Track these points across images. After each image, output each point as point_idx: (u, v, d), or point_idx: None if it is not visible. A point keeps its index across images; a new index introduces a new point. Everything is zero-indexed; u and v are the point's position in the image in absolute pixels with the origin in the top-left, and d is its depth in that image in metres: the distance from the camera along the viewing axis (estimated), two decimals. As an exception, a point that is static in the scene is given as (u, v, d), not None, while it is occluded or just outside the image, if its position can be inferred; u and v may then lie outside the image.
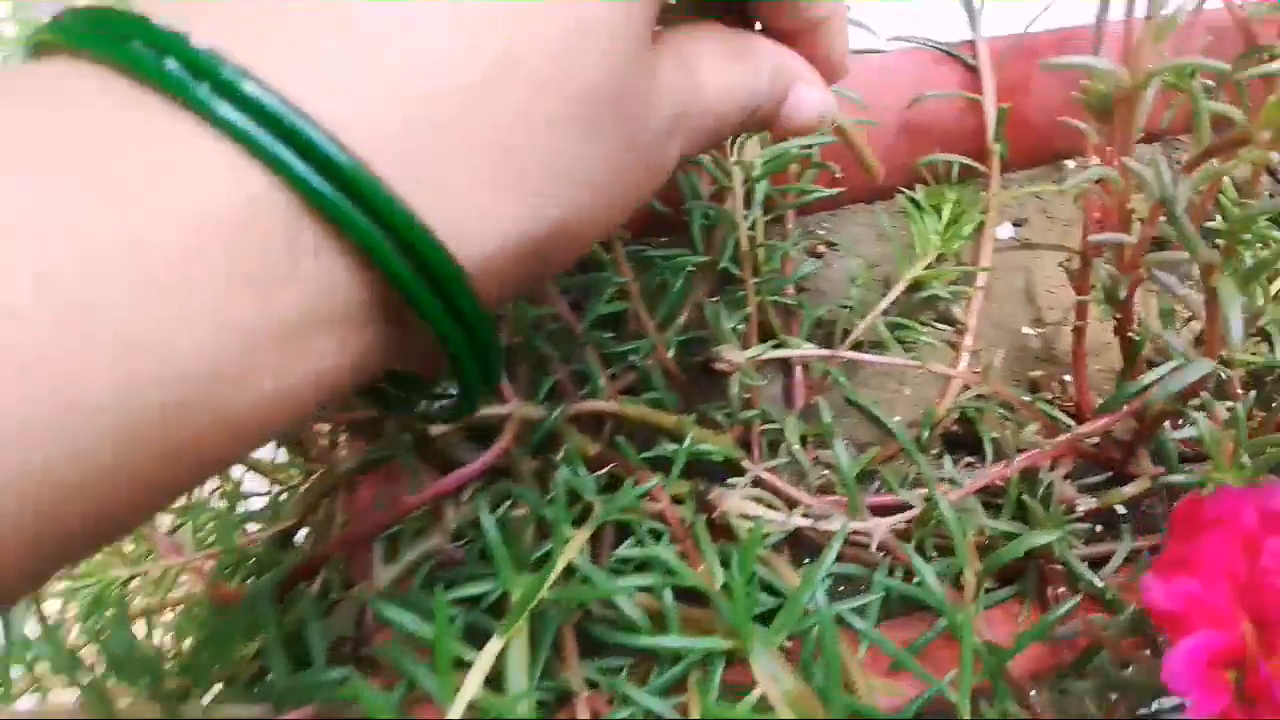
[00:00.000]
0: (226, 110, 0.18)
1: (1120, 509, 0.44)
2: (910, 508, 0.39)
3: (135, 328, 0.17)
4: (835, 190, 0.49)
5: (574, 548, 0.33)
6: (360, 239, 0.19)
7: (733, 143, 0.45)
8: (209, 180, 0.18)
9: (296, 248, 0.19)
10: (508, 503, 0.38)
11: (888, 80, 0.51)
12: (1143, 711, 0.34)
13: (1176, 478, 0.32)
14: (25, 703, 0.35)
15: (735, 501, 0.36)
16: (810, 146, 0.47)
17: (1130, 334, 0.39)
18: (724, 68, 0.28)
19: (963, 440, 0.47)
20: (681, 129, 0.26)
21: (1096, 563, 0.39)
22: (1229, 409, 0.32)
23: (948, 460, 0.46)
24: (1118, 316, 0.39)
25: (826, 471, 0.46)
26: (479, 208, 0.21)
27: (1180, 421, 0.35)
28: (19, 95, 0.19)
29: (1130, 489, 0.37)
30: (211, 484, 0.47)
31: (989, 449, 0.44)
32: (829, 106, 0.32)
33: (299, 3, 0.20)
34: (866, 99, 0.50)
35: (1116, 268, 0.36)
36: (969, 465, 0.45)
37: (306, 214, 0.19)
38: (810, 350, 0.42)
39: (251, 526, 0.41)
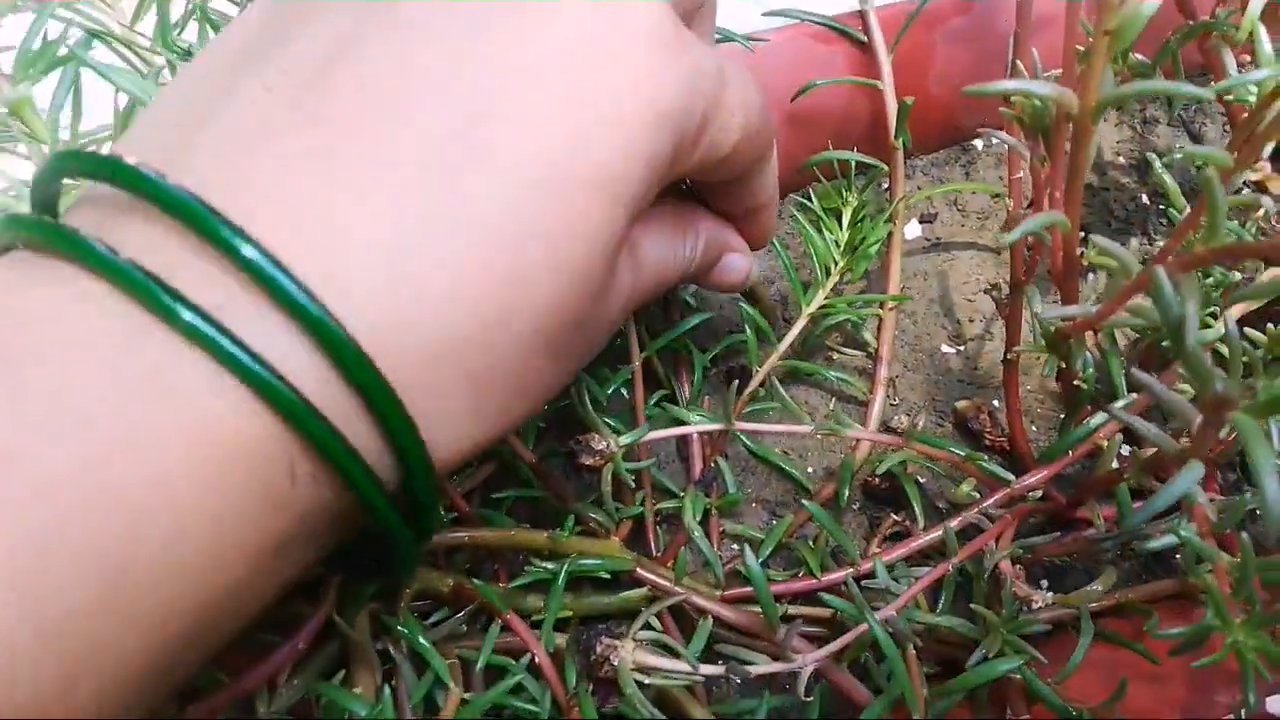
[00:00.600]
0: (239, 354, 0.19)
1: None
2: (840, 611, 0.33)
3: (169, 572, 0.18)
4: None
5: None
6: (349, 476, 0.20)
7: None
8: (221, 415, 0.19)
9: (295, 475, 0.20)
10: (341, 675, 0.30)
11: (768, 65, 0.43)
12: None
13: (1171, 630, 0.26)
14: None
15: (628, 653, 0.29)
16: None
17: (1077, 383, 0.32)
18: (664, 244, 0.30)
19: (885, 494, 0.40)
20: (626, 302, 0.27)
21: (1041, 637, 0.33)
22: (1220, 511, 0.25)
23: (869, 515, 0.40)
24: (1062, 365, 0.32)
25: (735, 546, 0.40)
26: (452, 419, 0.22)
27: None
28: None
29: (1098, 585, 0.32)
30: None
31: (919, 510, 0.38)
32: (753, 272, 0.35)
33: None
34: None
35: (1065, 322, 0.29)
36: (896, 524, 0.39)
37: (305, 448, 0.20)
38: (704, 425, 0.35)
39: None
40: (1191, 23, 0.35)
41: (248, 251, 0.19)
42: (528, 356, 0.23)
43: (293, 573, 0.22)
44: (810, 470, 0.42)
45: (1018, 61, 0.33)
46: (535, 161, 0.21)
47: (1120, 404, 0.34)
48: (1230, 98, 0.32)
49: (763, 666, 0.29)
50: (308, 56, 0.22)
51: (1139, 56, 0.38)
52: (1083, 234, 0.33)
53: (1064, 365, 0.32)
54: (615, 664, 0.29)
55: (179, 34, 0.37)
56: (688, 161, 0.26)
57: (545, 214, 0.22)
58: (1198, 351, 0.18)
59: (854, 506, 0.41)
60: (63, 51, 0.34)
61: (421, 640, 0.29)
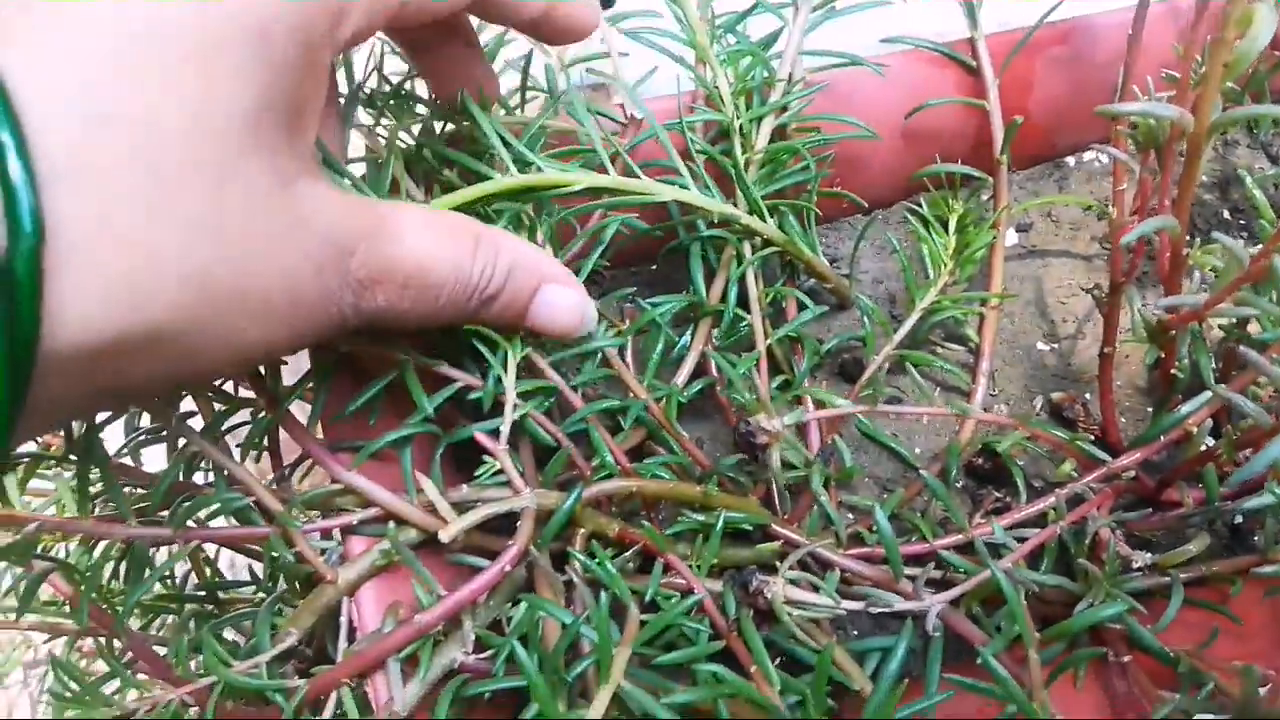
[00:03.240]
0: None
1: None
2: (953, 569, 0.37)
3: None
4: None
5: (617, 672, 0.30)
6: None
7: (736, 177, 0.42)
8: None
9: None
10: (525, 608, 0.34)
11: (885, 88, 0.48)
12: None
13: (1262, 569, 0.30)
14: None
15: (780, 588, 0.34)
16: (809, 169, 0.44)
17: (1173, 371, 0.37)
18: (429, 236, 0.29)
19: (987, 473, 0.45)
20: (360, 279, 0.27)
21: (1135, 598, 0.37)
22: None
23: (970, 492, 0.44)
24: (1162, 355, 0.36)
25: (851, 515, 0.44)
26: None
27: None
28: None
29: (1193, 547, 0.36)
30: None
31: (1021, 486, 0.42)
32: (586, 310, 0.33)
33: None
34: (865, 108, 0.47)
35: (1167, 313, 0.33)
36: (998, 501, 0.43)
37: None
38: (843, 406, 0.39)
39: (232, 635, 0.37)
40: (1281, 55, 0.39)
41: None
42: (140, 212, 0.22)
43: None
44: (917, 451, 0.46)
45: (1131, 86, 0.37)
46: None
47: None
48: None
49: (899, 604, 0.34)
50: None
51: (1230, 84, 0.42)
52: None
53: (1165, 355, 0.36)
54: (769, 596, 0.34)
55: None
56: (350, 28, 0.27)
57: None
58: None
59: (957, 485, 0.45)
60: None
61: (608, 567, 0.33)
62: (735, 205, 0.41)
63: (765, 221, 0.42)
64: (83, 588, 0.37)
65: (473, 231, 0.31)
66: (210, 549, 0.45)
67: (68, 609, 0.43)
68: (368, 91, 0.41)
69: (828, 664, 0.29)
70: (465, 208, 0.35)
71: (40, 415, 0.23)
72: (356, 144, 0.39)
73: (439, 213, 0.31)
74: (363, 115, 0.41)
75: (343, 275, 0.27)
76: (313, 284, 0.27)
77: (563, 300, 0.33)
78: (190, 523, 0.36)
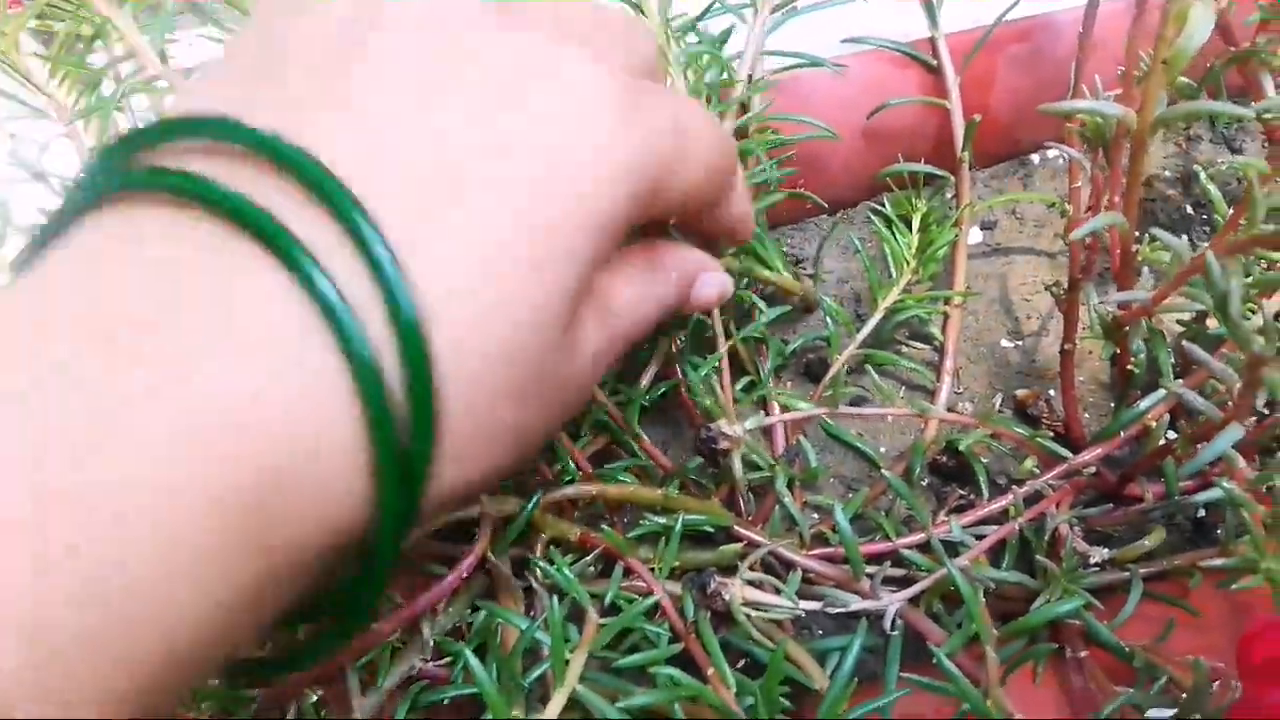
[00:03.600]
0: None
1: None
2: (914, 567, 0.37)
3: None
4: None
5: (573, 675, 0.30)
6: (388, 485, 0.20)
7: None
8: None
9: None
10: (483, 615, 0.34)
11: (846, 88, 0.48)
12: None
13: (1214, 561, 0.31)
14: None
15: (738, 590, 0.34)
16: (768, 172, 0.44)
17: (1130, 367, 0.37)
18: (639, 288, 0.30)
19: (951, 471, 0.45)
20: (600, 352, 0.28)
21: (1094, 593, 0.37)
22: (1260, 470, 0.30)
23: (935, 490, 0.45)
24: (1117, 350, 0.37)
25: (816, 515, 0.44)
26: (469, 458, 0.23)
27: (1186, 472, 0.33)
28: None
29: (1147, 542, 0.36)
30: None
31: (984, 484, 0.42)
32: (727, 287, 0.36)
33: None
34: (826, 109, 0.47)
35: (1119, 311, 0.33)
36: (961, 499, 0.44)
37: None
38: (806, 411, 0.40)
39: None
40: (1234, 49, 0.39)
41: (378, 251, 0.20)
42: (494, 399, 0.23)
43: (268, 615, 0.21)
44: (883, 450, 0.46)
45: (1081, 84, 0.37)
46: (500, 215, 0.23)
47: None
48: (1269, 116, 0.36)
49: (855, 604, 0.34)
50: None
51: (1186, 80, 0.42)
52: (1137, 235, 0.37)
53: (1119, 351, 0.36)
54: (726, 598, 0.34)
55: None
56: (655, 208, 0.28)
57: (507, 266, 0.23)
58: (1239, 318, 0.23)
59: (922, 483, 0.45)
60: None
61: (565, 573, 0.33)
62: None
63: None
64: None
65: (657, 260, 0.33)
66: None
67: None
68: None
69: (780, 663, 0.29)
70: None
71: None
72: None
73: (633, 256, 0.32)
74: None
75: (600, 373, 0.29)
76: (582, 398, 0.29)
77: (712, 283, 0.35)
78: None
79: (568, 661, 0.30)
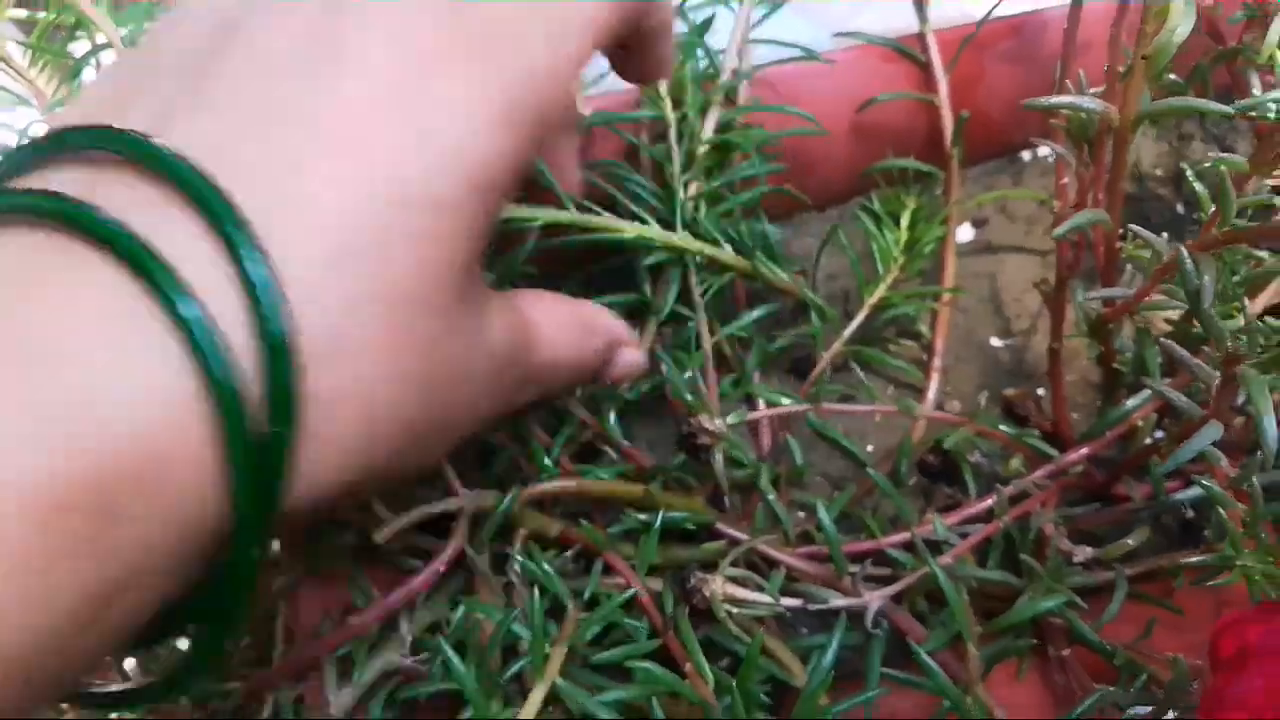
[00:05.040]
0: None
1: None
2: (900, 566, 0.37)
3: None
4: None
5: (552, 669, 0.30)
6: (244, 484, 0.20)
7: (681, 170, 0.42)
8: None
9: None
10: (462, 610, 0.34)
11: (835, 83, 0.48)
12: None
13: (1194, 559, 0.30)
14: None
15: (719, 586, 0.34)
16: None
17: (1115, 365, 0.37)
18: (564, 335, 0.32)
19: (939, 470, 0.45)
20: (516, 385, 0.29)
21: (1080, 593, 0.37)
22: (1240, 469, 0.30)
23: (923, 490, 0.44)
24: (1102, 349, 0.36)
25: (802, 513, 0.44)
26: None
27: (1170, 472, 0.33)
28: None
29: (1132, 540, 0.36)
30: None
31: (970, 482, 0.42)
32: (639, 366, 0.37)
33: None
34: (815, 104, 0.47)
35: (1103, 309, 0.33)
36: (949, 498, 0.43)
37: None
38: (788, 407, 0.39)
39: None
40: (1221, 48, 0.39)
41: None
42: (373, 386, 0.23)
43: (123, 625, 0.20)
44: (870, 449, 0.46)
45: (1066, 80, 0.37)
46: (362, 185, 0.22)
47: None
48: (1255, 114, 0.36)
49: (837, 601, 0.34)
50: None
51: (1173, 77, 0.42)
52: (1121, 233, 0.37)
53: (1104, 349, 0.36)
54: (707, 595, 0.34)
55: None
56: (549, 123, 0.26)
57: (376, 236, 0.22)
58: (1211, 312, 0.23)
59: (909, 482, 0.45)
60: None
61: (545, 567, 0.33)
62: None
63: (720, 248, 0.42)
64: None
65: (582, 321, 0.34)
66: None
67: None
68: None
69: (756, 655, 0.29)
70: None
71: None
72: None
73: (555, 305, 0.32)
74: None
75: (508, 387, 0.29)
76: (488, 404, 0.28)
77: (629, 358, 0.36)
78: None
79: (547, 655, 0.30)
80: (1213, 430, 0.27)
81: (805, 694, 0.31)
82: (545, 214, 0.37)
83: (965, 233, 0.51)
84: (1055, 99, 0.29)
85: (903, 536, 0.39)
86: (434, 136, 0.23)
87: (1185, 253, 0.23)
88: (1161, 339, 0.27)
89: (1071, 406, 0.46)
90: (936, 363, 0.46)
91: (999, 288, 0.50)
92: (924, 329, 0.48)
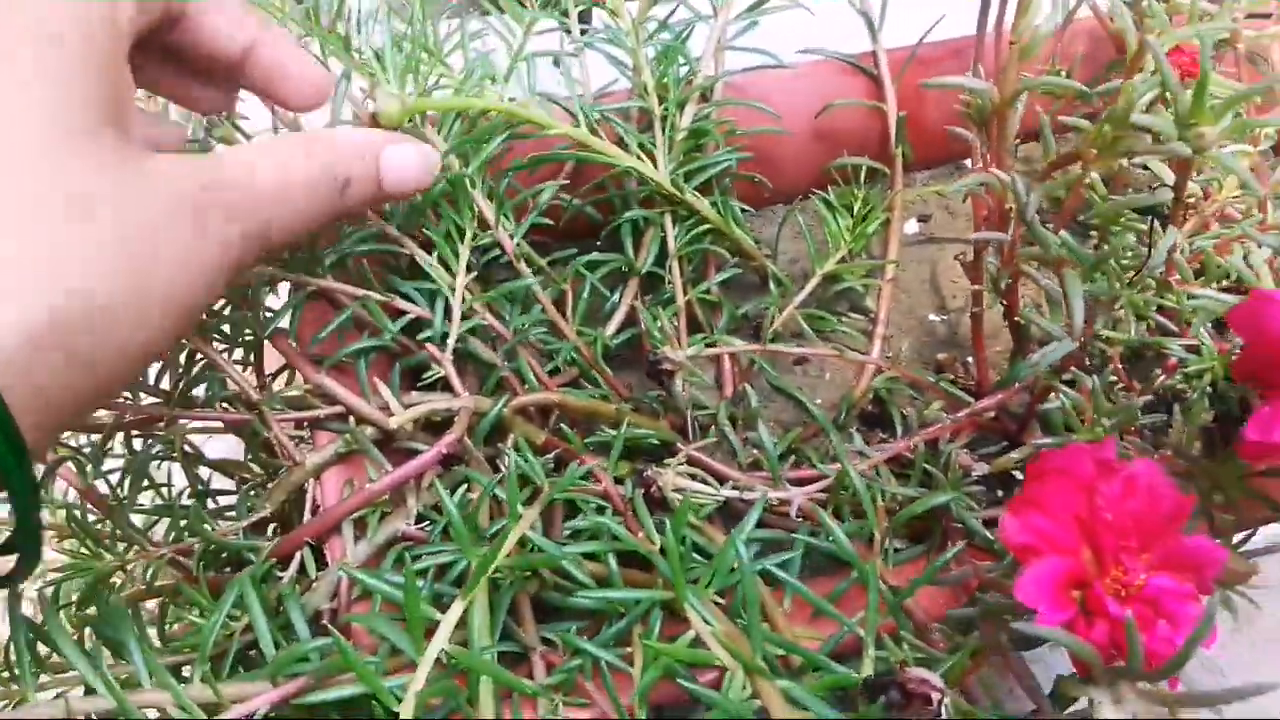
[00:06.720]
0: None
1: (1018, 474, 0.49)
2: (827, 478, 0.44)
3: None
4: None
5: (526, 523, 0.36)
6: None
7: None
8: None
9: None
10: (464, 488, 0.41)
11: (799, 91, 0.56)
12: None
13: (1046, 440, 0.37)
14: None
15: (670, 478, 0.41)
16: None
17: (1017, 319, 0.44)
18: (271, 159, 0.30)
19: (877, 419, 0.51)
20: (221, 220, 0.29)
21: (994, 522, 0.44)
22: (1095, 382, 0.36)
23: (859, 437, 0.51)
24: (1004, 303, 0.43)
25: (755, 451, 0.51)
26: None
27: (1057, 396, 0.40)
28: None
29: (1016, 454, 0.42)
30: (181, 482, 0.50)
31: (899, 425, 0.49)
32: (430, 157, 0.34)
33: None
34: (780, 109, 0.54)
35: (999, 261, 0.40)
36: (882, 440, 0.50)
37: None
38: (740, 345, 0.47)
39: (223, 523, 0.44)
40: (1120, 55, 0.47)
41: None
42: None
43: None
44: (819, 402, 0.53)
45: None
46: None
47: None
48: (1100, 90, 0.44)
49: (766, 491, 0.41)
50: None
51: (1065, 73, 0.50)
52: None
53: (1008, 304, 0.43)
54: (660, 485, 0.40)
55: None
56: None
57: None
58: (1035, 221, 0.30)
59: (851, 429, 0.52)
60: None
61: (530, 459, 0.40)
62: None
63: (701, 199, 0.50)
64: (89, 468, 0.44)
65: (300, 140, 0.32)
66: (204, 474, 0.51)
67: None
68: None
69: (686, 510, 0.36)
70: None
71: (39, 424, 0.25)
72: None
73: (278, 140, 0.34)
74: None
75: (218, 216, 0.29)
76: (205, 250, 0.28)
77: (404, 155, 0.33)
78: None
79: (523, 508, 0.37)
80: (1065, 345, 0.34)
81: (724, 549, 0.37)
82: (562, 126, 0.44)
83: (911, 226, 0.59)
84: (950, 79, 0.37)
85: (836, 467, 0.46)
86: None
87: (1016, 176, 0.31)
88: (1023, 265, 0.34)
89: (996, 371, 0.53)
90: (879, 330, 0.53)
91: (938, 272, 0.57)
92: (871, 303, 0.55)
